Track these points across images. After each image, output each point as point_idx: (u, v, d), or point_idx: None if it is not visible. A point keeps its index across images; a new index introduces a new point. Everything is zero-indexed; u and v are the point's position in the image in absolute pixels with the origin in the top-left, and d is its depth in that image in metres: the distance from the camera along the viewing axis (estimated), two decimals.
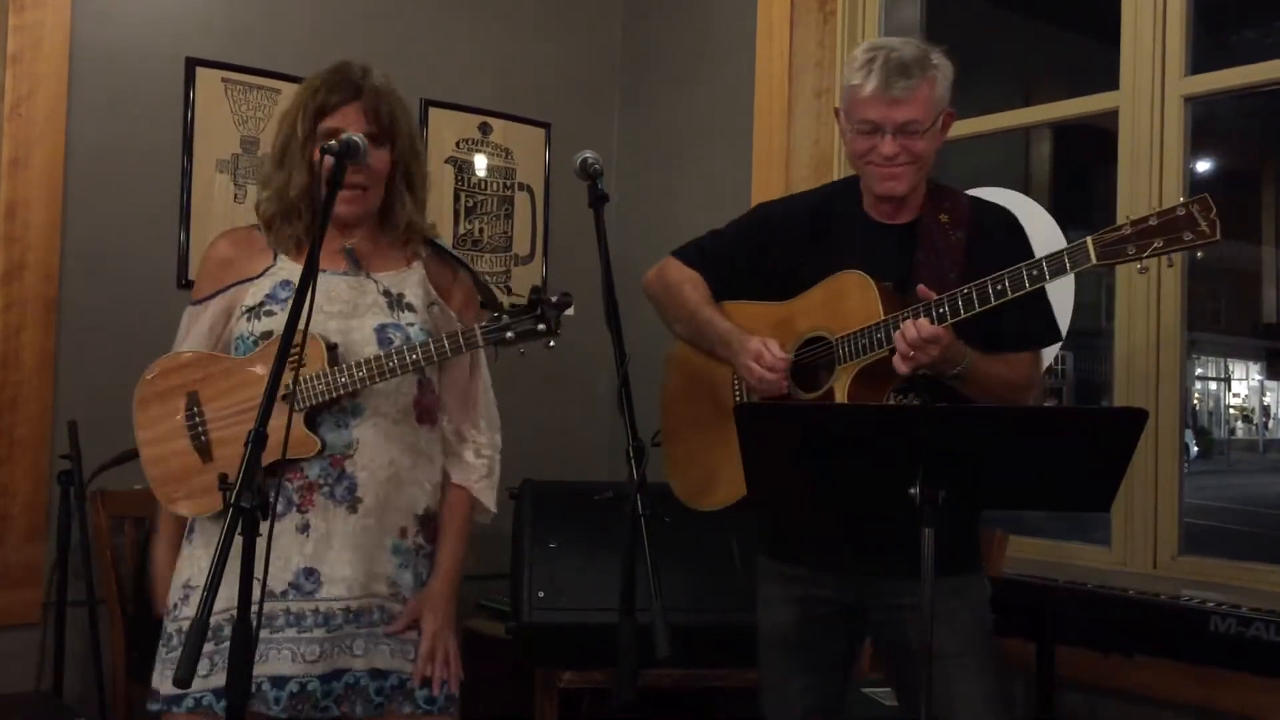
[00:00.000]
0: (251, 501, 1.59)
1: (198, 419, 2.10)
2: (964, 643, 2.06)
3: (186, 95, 3.40)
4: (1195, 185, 2.96)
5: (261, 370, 2.00)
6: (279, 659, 2.00)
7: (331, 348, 2.04)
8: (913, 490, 1.74)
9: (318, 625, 2.02)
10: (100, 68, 3.27)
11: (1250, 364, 18.30)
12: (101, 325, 3.23)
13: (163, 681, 2.03)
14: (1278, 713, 2.44)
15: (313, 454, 2.03)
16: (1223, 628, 2.30)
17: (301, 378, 2.00)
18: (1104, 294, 3.63)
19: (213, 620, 1.84)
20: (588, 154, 1.93)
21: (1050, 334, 2.20)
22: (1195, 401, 17.13)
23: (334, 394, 2.02)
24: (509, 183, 4.02)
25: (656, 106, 4.09)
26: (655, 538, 1.68)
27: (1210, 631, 2.32)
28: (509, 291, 3.93)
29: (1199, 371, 17.03)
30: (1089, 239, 1.84)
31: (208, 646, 1.91)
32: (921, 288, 1.98)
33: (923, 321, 1.93)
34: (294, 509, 2.04)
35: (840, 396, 2.06)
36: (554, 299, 1.94)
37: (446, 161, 3.84)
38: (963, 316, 1.93)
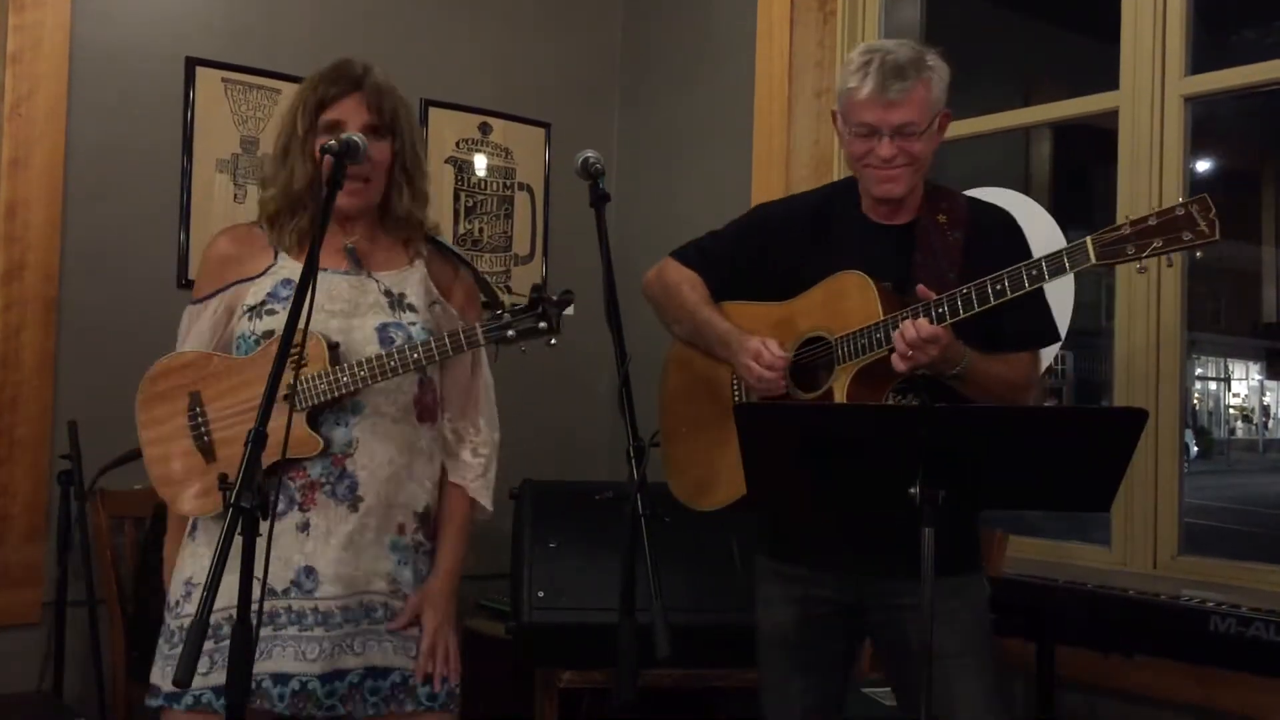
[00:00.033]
0: (251, 501, 1.59)
1: (200, 419, 2.10)
2: (964, 643, 2.06)
3: (186, 95, 3.40)
4: (1195, 185, 2.96)
5: (263, 370, 2.01)
6: (282, 656, 2.01)
7: (333, 347, 2.04)
8: (913, 490, 1.74)
9: (317, 624, 2.02)
10: (100, 68, 3.27)
11: (1250, 364, 18.30)
12: (101, 325, 3.23)
13: (163, 678, 2.03)
14: (1278, 713, 2.44)
15: (316, 453, 2.03)
16: (1222, 627, 2.30)
17: (303, 377, 2.00)
18: (1104, 294, 3.63)
19: (212, 618, 1.85)
20: (589, 153, 1.93)
21: (1049, 334, 2.20)
22: (1195, 401, 17.13)
23: (336, 393, 2.02)
24: (509, 182, 4.02)
25: (656, 106, 4.09)
26: (655, 538, 1.68)
27: (1210, 631, 2.32)
28: (509, 291, 3.92)
29: (1199, 371, 17.04)
30: (1088, 239, 1.84)
31: (208, 645, 1.90)
32: (921, 288, 1.98)
33: (922, 321, 1.93)
34: (295, 507, 2.04)
35: (839, 396, 2.06)
36: (555, 297, 1.94)
37: (446, 161, 3.84)
38: (962, 316, 1.93)
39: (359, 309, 2.12)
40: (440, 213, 3.73)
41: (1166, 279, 2.83)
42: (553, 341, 1.96)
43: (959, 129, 3.23)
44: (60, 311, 3.20)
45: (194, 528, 2.13)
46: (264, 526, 1.64)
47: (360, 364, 2.01)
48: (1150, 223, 1.80)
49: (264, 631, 1.98)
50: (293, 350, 1.76)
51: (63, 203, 3.20)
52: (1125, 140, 2.94)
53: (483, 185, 3.96)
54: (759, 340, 2.13)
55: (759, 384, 2.13)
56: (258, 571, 1.65)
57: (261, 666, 1.96)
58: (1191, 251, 1.81)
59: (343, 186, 1.92)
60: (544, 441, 3.70)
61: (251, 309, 2.11)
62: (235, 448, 1.73)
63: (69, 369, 3.20)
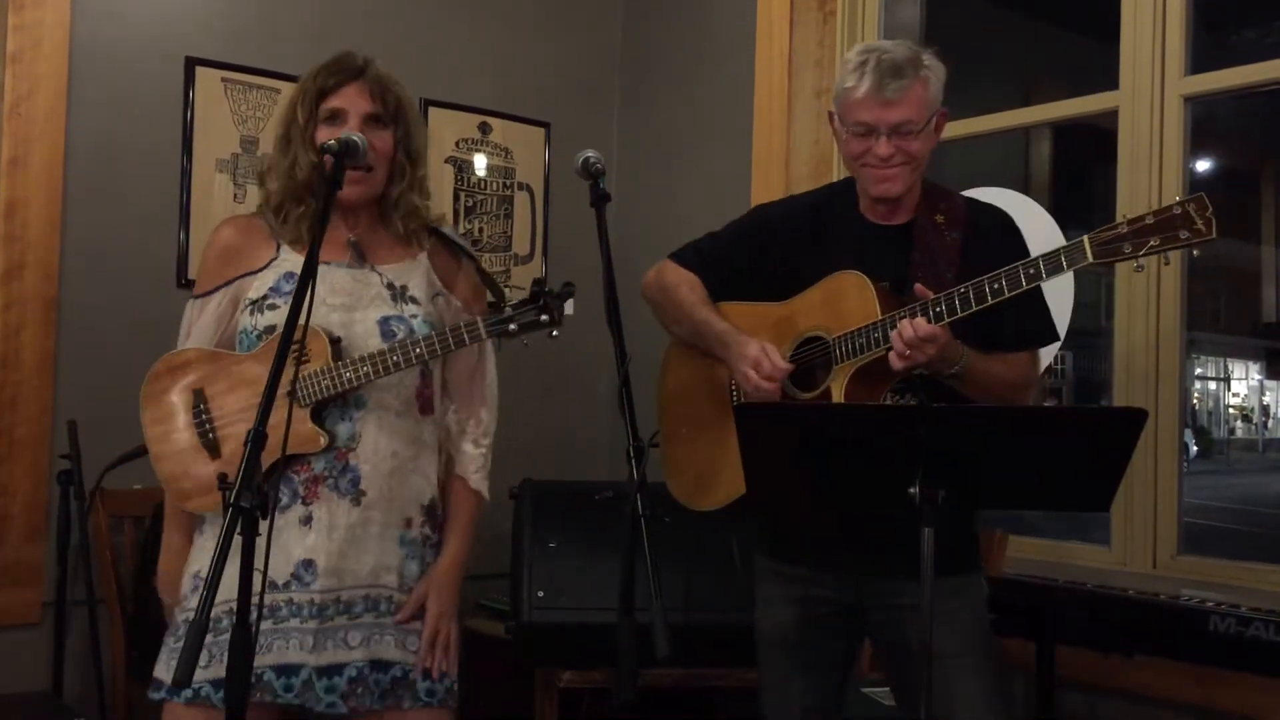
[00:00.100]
0: (251, 501, 1.59)
1: (204, 416, 2.10)
2: (964, 643, 2.06)
3: (186, 95, 3.40)
4: (1195, 185, 2.96)
5: (266, 366, 2.01)
6: (284, 648, 2.01)
7: (335, 342, 2.05)
8: (912, 490, 1.74)
9: (312, 616, 2.03)
10: (100, 67, 3.27)
11: (1250, 364, 18.30)
12: (101, 325, 3.23)
13: (166, 671, 2.04)
14: (1278, 713, 2.44)
15: (320, 449, 2.03)
16: (1222, 627, 2.30)
17: (306, 373, 2.01)
18: (1104, 293, 3.63)
19: (213, 612, 1.85)
20: (590, 153, 1.94)
21: (1048, 334, 2.20)
22: (1195, 401, 17.13)
23: (338, 389, 2.02)
24: (509, 182, 4.02)
25: (656, 106, 4.08)
26: (655, 537, 1.69)
27: (1210, 631, 2.32)
28: (510, 290, 3.92)
29: (1199, 371, 17.04)
30: (1086, 237, 1.85)
31: (207, 639, 1.91)
32: (919, 287, 1.98)
33: (920, 320, 1.93)
34: (299, 501, 2.05)
35: (837, 396, 2.06)
36: (556, 290, 1.95)
37: (446, 161, 3.84)
38: (960, 315, 1.93)
39: (361, 302, 2.12)
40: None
41: (1166, 279, 2.84)
42: (554, 334, 1.96)
43: (958, 129, 3.23)
44: (60, 311, 3.19)
45: (203, 523, 2.13)
46: (265, 522, 1.65)
47: (363, 359, 2.02)
48: (1147, 221, 1.80)
49: (265, 625, 1.98)
50: (294, 348, 1.77)
51: (62, 202, 3.20)
52: (1125, 140, 2.94)
53: (482, 185, 3.96)
54: (759, 347, 2.12)
55: (755, 394, 2.13)
56: (258, 564, 1.65)
57: (262, 660, 1.97)
58: (1189, 250, 1.81)
59: (342, 187, 1.92)
60: (544, 441, 3.70)
61: (254, 303, 2.12)
62: (240, 444, 1.73)
63: (69, 368, 3.20)
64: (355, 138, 1.91)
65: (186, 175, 3.40)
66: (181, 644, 1.58)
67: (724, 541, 2.83)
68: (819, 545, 2.17)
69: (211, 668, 1.95)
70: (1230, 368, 18.30)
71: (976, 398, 2.07)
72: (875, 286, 2.06)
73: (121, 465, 2.97)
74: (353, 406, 2.08)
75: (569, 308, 1.98)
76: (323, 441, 2.03)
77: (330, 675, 2.03)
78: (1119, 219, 1.84)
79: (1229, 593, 2.50)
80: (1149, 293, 2.86)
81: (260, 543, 1.63)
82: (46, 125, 3.18)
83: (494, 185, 3.98)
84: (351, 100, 2.10)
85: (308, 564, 2.04)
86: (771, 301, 2.23)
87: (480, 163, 3.94)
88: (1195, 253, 1.84)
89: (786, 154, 3.57)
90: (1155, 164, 2.88)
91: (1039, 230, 2.69)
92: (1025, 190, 3.68)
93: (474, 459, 2.23)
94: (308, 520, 2.05)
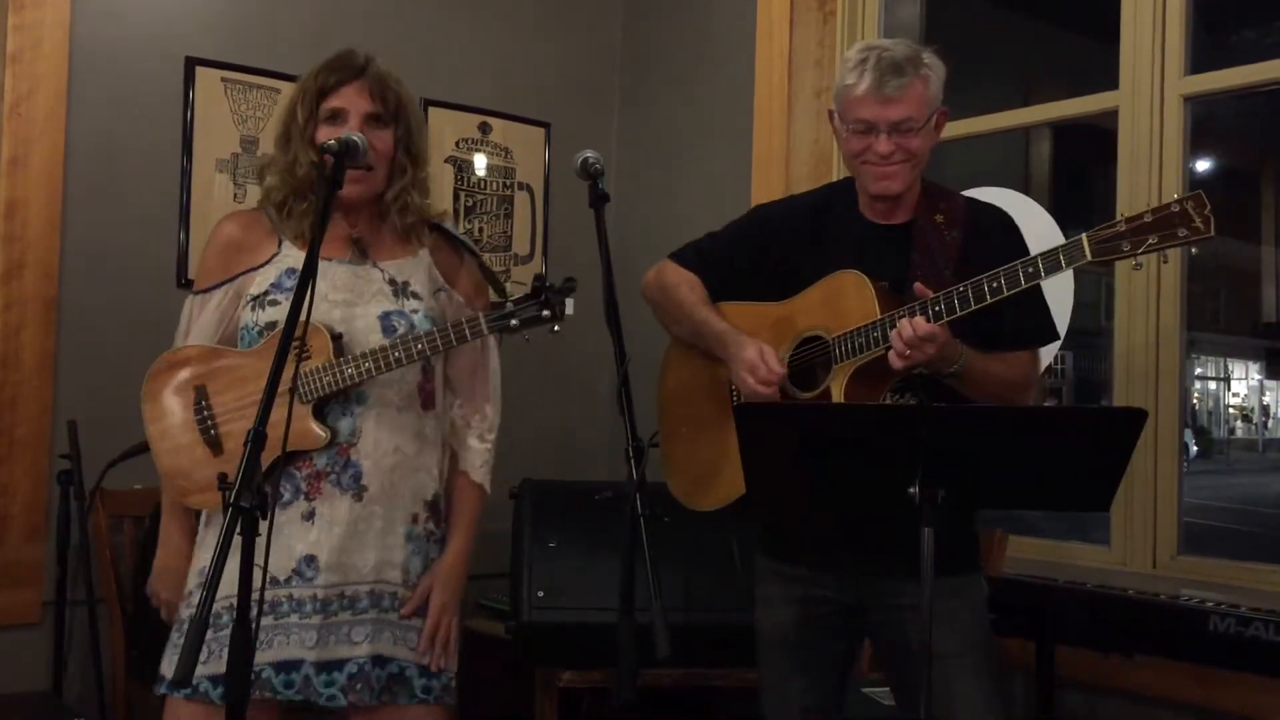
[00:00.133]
0: (251, 501, 1.59)
1: (206, 413, 2.10)
2: (963, 643, 2.06)
3: (186, 95, 3.40)
4: (1195, 185, 2.95)
5: (267, 363, 2.01)
6: (284, 644, 2.01)
7: (336, 338, 2.05)
8: (912, 490, 1.74)
9: (315, 611, 2.03)
10: (100, 67, 3.27)
11: (1250, 364, 18.28)
12: (101, 325, 3.23)
13: (170, 667, 2.05)
14: (1278, 713, 2.44)
15: (322, 445, 2.04)
16: (1222, 627, 2.30)
17: (308, 370, 2.01)
18: (1104, 293, 3.63)
19: (214, 607, 1.86)
20: (588, 154, 1.94)
21: (1047, 332, 2.20)
22: (1195, 401, 17.12)
23: (340, 385, 2.02)
24: (509, 182, 4.02)
25: (656, 106, 4.08)
26: (655, 537, 1.69)
27: (1210, 631, 2.32)
28: (510, 289, 3.92)
29: (1198, 371, 17.03)
30: (1084, 236, 1.85)
31: (207, 635, 1.92)
32: (918, 286, 1.98)
33: (919, 319, 1.93)
34: (301, 497, 2.05)
35: (837, 395, 2.06)
36: (558, 285, 1.95)
37: (446, 161, 3.84)
38: (959, 314, 1.93)
39: (362, 297, 2.12)
40: None
41: (1166, 278, 2.84)
42: (556, 329, 1.96)
43: (958, 129, 3.23)
44: (60, 311, 3.19)
45: (208, 520, 2.13)
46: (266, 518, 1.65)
47: (364, 355, 2.02)
48: (1146, 219, 1.80)
49: (265, 621, 1.99)
50: (301, 345, 1.77)
51: (62, 202, 3.20)
52: (1125, 140, 2.94)
53: (482, 185, 3.96)
54: (755, 350, 2.12)
55: (753, 397, 2.13)
56: (259, 561, 1.65)
57: (262, 656, 1.97)
58: (1187, 248, 1.81)
59: (342, 187, 1.92)
60: (544, 441, 3.70)
61: (255, 299, 2.12)
62: (242, 441, 1.73)
63: (69, 368, 3.20)
64: (355, 138, 1.91)
65: (186, 175, 3.40)
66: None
67: (724, 541, 2.83)
68: (819, 545, 2.17)
69: (210, 664, 1.95)
70: (1230, 368, 18.29)
71: (976, 397, 2.07)
72: (874, 286, 2.06)
73: (123, 463, 2.97)
74: (354, 402, 2.08)
75: (569, 307, 1.98)
76: (324, 438, 2.04)
77: (331, 670, 2.03)
78: (1117, 217, 1.84)
79: (1229, 593, 2.50)
80: (1149, 292, 2.86)
81: (260, 542, 1.63)
82: (46, 125, 3.18)
83: (494, 185, 3.98)
84: (352, 100, 2.10)
85: (310, 559, 2.04)
86: (771, 301, 2.23)
87: (480, 163, 3.94)
88: (1194, 250, 1.84)
89: (786, 154, 3.57)
90: (1155, 164, 2.88)
91: (1039, 230, 2.69)
92: (1025, 190, 3.68)
93: (479, 453, 2.24)
94: (310, 516, 2.05)
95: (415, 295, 2.16)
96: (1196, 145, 2.93)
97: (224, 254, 2.17)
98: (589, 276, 1.94)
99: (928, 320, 1.93)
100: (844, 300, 2.09)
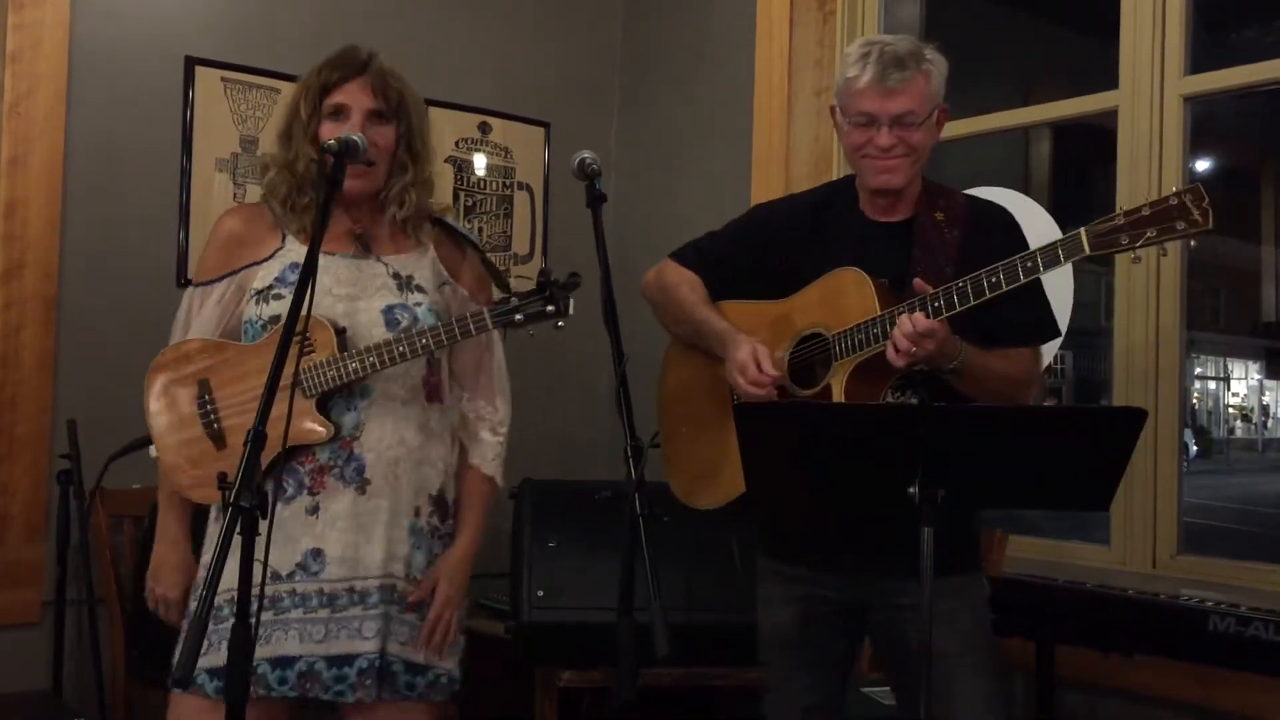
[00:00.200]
0: (251, 501, 1.60)
1: (209, 407, 2.10)
2: (964, 643, 2.06)
3: (186, 94, 3.40)
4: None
5: (271, 357, 2.02)
6: (283, 640, 2.01)
7: (340, 332, 2.05)
8: (912, 490, 1.74)
9: (322, 606, 2.03)
10: (100, 66, 3.27)
11: (1249, 363, 18.27)
12: (101, 324, 3.23)
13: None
14: (1278, 713, 2.44)
15: (326, 440, 2.04)
16: (1222, 627, 2.30)
17: (311, 364, 2.01)
18: (1104, 293, 3.63)
19: (216, 599, 1.86)
20: (585, 154, 1.94)
21: (1048, 329, 2.19)
22: (1194, 401, 17.11)
23: (344, 380, 2.03)
24: (508, 182, 4.02)
25: (656, 106, 4.08)
26: (654, 537, 1.69)
27: (1210, 631, 2.32)
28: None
29: (1198, 371, 17.02)
30: (1082, 229, 1.85)
31: (209, 627, 1.92)
32: (918, 281, 1.98)
33: (918, 315, 1.93)
34: (305, 491, 2.05)
35: (837, 392, 2.06)
36: (562, 280, 1.95)
37: (446, 160, 3.84)
38: (958, 310, 1.93)
39: (365, 291, 2.13)
40: None
41: (1166, 278, 2.84)
42: (560, 325, 1.96)
43: (958, 128, 3.23)
44: (60, 310, 3.20)
45: (216, 515, 2.13)
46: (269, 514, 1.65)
47: (368, 350, 2.02)
48: (1144, 213, 1.80)
49: (265, 616, 1.99)
50: (303, 340, 1.77)
51: (62, 201, 3.20)
52: (1125, 140, 2.94)
53: (482, 185, 3.96)
54: (749, 351, 2.12)
55: (745, 398, 2.13)
56: (259, 556, 1.66)
57: (260, 652, 1.97)
58: (1186, 241, 1.81)
59: (342, 187, 1.93)
60: (544, 441, 3.69)
61: (259, 293, 2.12)
62: (245, 435, 1.73)
63: (68, 368, 3.20)
64: (355, 138, 1.92)
65: (186, 175, 3.40)
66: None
67: (724, 541, 2.83)
68: (820, 545, 2.17)
69: (209, 656, 1.95)
70: (1230, 367, 18.28)
71: (977, 394, 2.07)
72: (874, 283, 2.06)
73: (122, 461, 2.97)
74: (357, 396, 2.08)
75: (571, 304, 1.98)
76: (328, 433, 2.04)
77: (341, 665, 2.03)
78: (1116, 211, 1.84)
79: (1229, 592, 2.50)
80: (1148, 292, 2.86)
81: (260, 540, 1.63)
82: (46, 125, 3.18)
83: (494, 185, 3.98)
84: (354, 96, 2.11)
85: (316, 553, 2.04)
86: (772, 300, 2.23)
87: (480, 162, 3.94)
88: (1193, 244, 1.84)
89: (786, 154, 3.57)
90: (1155, 163, 2.88)
91: (1039, 230, 2.68)
92: (1025, 190, 3.68)
93: (491, 446, 2.24)
94: (314, 510, 2.05)
95: (419, 289, 2.16)
96: (1196, 145, 2.93)
97: (226, 248, 2.17)
98: (588, 276, 1.94)
99: (927, 316, 1.93)
100: (844, 297, 2.09)
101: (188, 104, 3.41)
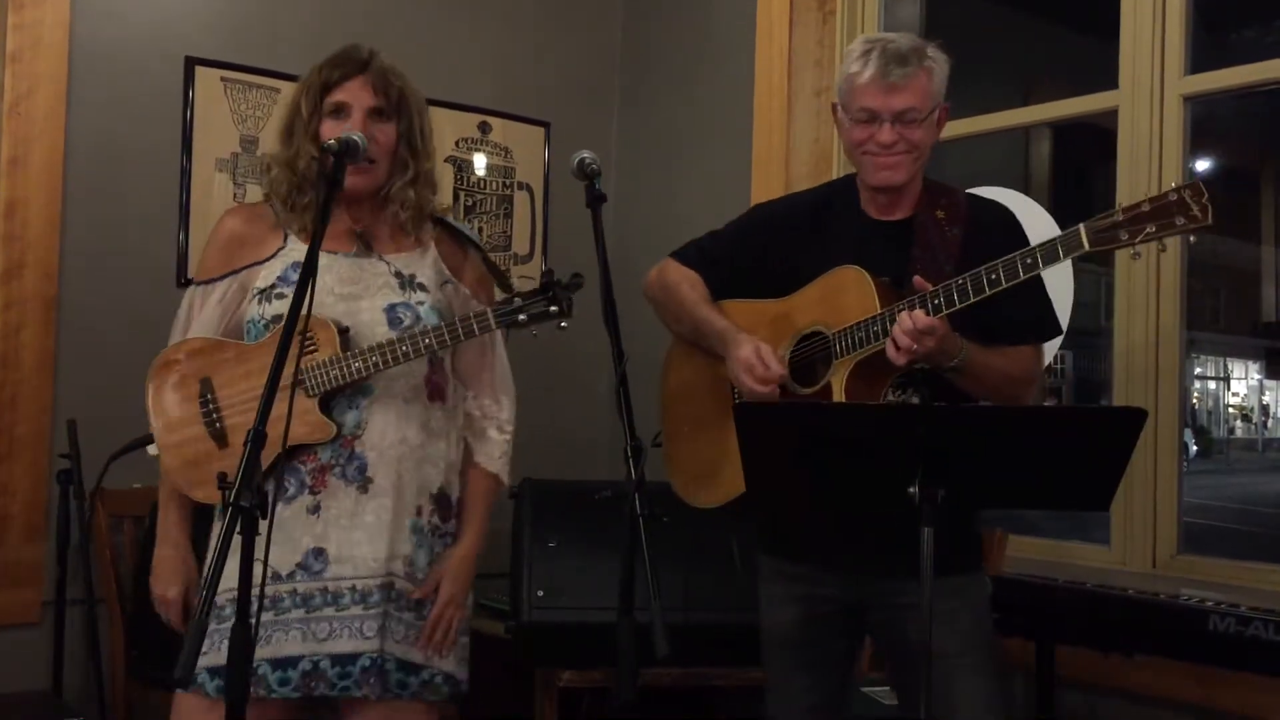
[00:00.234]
0: (250, 500, 1.59)
1: (212, 405, 2.10)
2: (964, 643, 2.06)
3: (186, 94, 3.40)
4: None
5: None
6: (283, 641, 2.01)
7: (343, 332, 2.05)
8: (912, 490, 1.74)
9: (326, 604, 2.03)
10: (99, 66, 3.27)
11: (1249, 363, 18.27)
12: (101, 324, 3.23)
13: None
14: (1278, 713, 2.44)
15: (329, 439, 2.04)
16: (1222, 627, 2.30)
17: (315, 363, 2.02)
18: (1104, 293, 3.63)
19: (218, 599, 1.86)
20: (585, 154, 1.94)
21: (1049, 327, 2.19)
22: (1194, 401, 17.12)
23: (347, 379, 2.03)
24: (508, 182, 4.02)
25: (656, 106, 4.08)
26: (654, 537, 1.68)
27: (1210, 631, 2.32)
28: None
29: (1198, 371, 17.02)
30: (1082, 225, 1.84)
31: (210, 626, 1.92)
32: (918, 279, 1.98)
33: (918, 313, 1.93)
34: (306, 491, 2.05)
35: (838, 390, 2.06)
36: (565, 280, 1.95)
37: (446, 160, 3.84)
38: (958, 307, 1.93)
39: (368, 290, 2.13)
40: None
41: (1166, 278, 2.84)
42: (563, 325, 1.96)
43: (958, 128, 3.23)
44: (60, 310, 3.19)
45: (221, 514, 2.13)
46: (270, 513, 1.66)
47: (372, 349, 2.02)
48: (1144, 209, 1.80)
49: (266, 617, 1.99)
50: (306, 339, 1.77)
51: (62, 201, 3.20)
52: (1125, 139, 2.94)
53: (482, 184, 3.96)
54: (753, 348, 2.11)
55: (750, 396, 2.12)
56: (259, 555, 1.65)
57: (260, 653, 1.97)
58: (1186, 237, 1.80)
59: (342, 187, 1.93)
60: (544, 441, 3.69)
61: (261, 292, 2.12)
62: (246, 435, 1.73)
63: (68, 368, 3.20)
64: (355, 137, 1.92)
65: (186, 175, 3.40)
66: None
67: (724, 541, 2.83)
68: (822, 544, 2.16)
69: (210, 655, 1.95)
70: (1230, 367, 18.28)
71: (977, 392, 2.07)
72: (874, 281, 2.05)
73: (122, 460, 2.97)
74: (359, 394, 2.08)
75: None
76: (331, 432, 2.04)
77: (345, 664, 2.03)
78: (1116, 207, 1.84)
79: (1229, 592, 2.50)
80: (1148, 292, 2.86)
81: (260, 541, 1.63)
82: (46, 125, 3.18)
83: (494, 185, 3.98)
84: (355, 94, 2.11)
85: (318, 553, 2.04)
86: (772, 299, 2.23)
87: (480, 162, 3.94)
88: (1192, 239, 1.84)
89: (786, 154, 3.57)
90: (1155, 163, 2.88)
91: (1039, 230, 2.67)
92: (1025, 190, 3.68)
93: (498, 444, 2.25)
94: (315, 510, 2.05)
95: (422, 288, 2.16)
96: (1196, 145, 2.93)
97: (228, 247, 2.18)
98: (588, 276, 1.94)
99: (927, 313, 1.93)
100: (844, 295, 2.09)
101: (188, 104, 3.41)
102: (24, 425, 3.14)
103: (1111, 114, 2.99)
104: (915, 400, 2.09)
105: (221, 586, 1.64)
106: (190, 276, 3.30)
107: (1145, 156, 2.89)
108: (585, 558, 2.85)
